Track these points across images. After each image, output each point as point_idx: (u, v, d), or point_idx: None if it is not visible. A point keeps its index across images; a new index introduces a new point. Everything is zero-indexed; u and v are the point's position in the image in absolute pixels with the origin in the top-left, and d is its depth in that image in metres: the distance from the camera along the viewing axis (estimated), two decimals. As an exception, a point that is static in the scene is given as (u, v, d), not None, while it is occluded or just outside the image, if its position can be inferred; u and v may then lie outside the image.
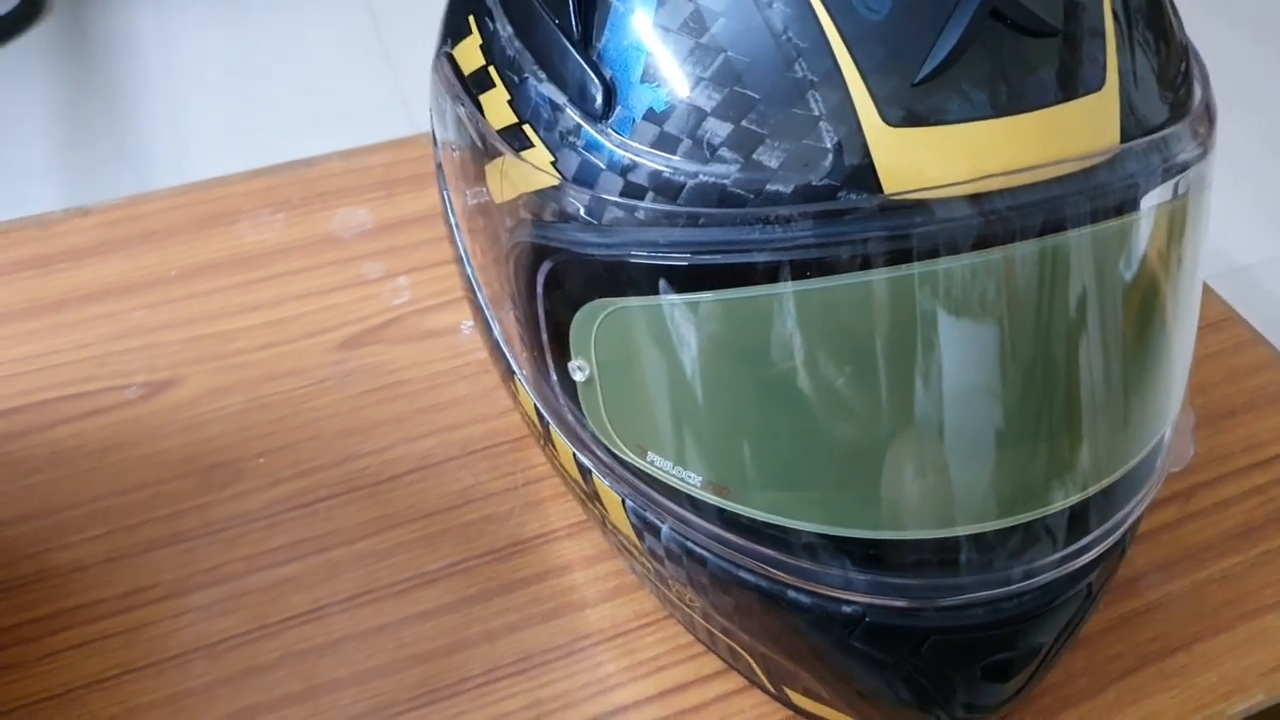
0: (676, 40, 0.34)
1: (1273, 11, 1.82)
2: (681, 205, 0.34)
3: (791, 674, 0.43)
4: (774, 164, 0.33)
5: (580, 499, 0.46)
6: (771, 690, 0.45)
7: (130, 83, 1.67)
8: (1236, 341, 0.65)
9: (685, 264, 0.35)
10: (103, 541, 0.52)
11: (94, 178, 1.52)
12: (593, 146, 0.36)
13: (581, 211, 0.36)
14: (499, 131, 0.39)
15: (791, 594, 0.39)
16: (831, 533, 0.38)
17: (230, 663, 0.48)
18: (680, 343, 0.36)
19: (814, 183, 0.33)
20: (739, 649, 0.44)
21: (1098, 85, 0.35)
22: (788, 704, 0.46)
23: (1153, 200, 0.36)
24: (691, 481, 0.38)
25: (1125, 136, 0.35)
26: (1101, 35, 0.35)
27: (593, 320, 0.37)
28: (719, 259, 0.34)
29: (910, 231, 0.33)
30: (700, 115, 0.34)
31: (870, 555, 0.38)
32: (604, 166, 0.35)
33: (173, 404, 0.58)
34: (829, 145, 0.33)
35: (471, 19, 0.41)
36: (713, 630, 0.44)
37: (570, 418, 0.41)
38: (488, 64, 0.39)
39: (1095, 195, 0.35)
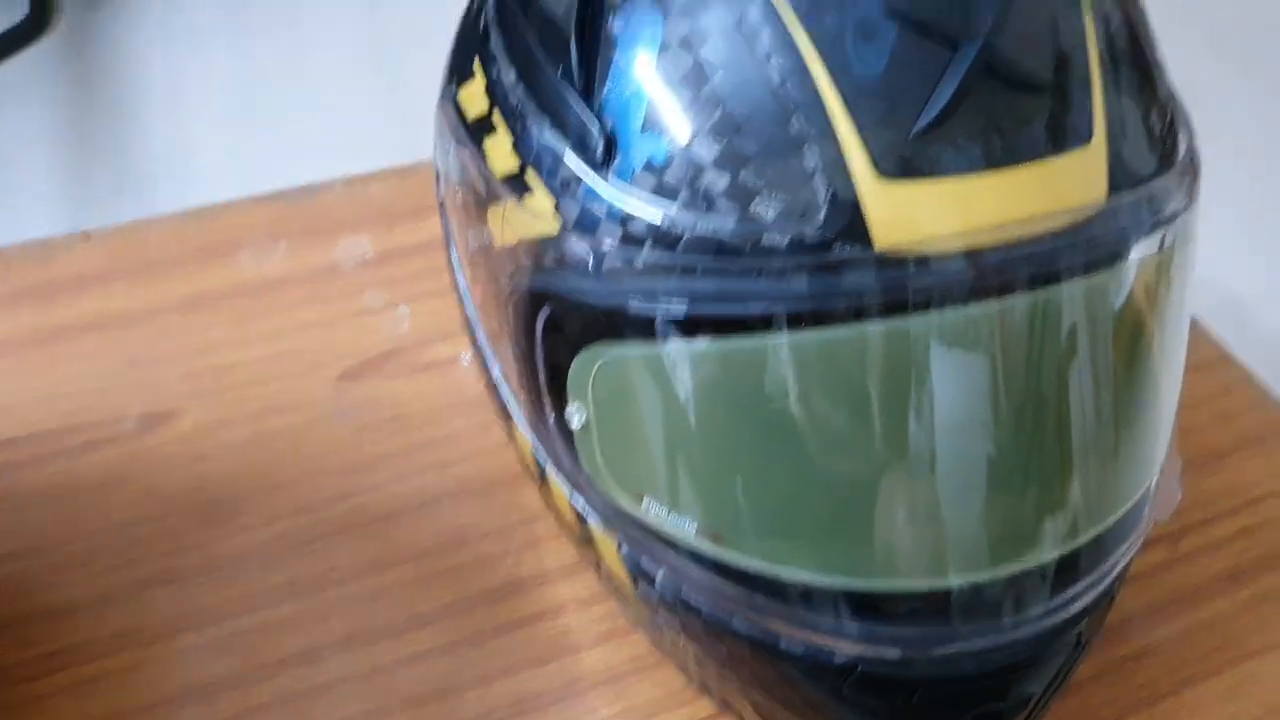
0: (677, 91, 0.35)
1: (1261, 44, 1.84)
2: (679, 255, 0.35)
3: None
4: (770, 216, 0.34)
5: (575, 542, 0.47)
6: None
7: (134, 100, 1.68)
8: (1227, 382, 0.66)
9: (682, 314, 0.35)
10: (97, 580, 0.52)
11: (96, 196, 1.52)
12: (593, 195, 0.36)
13: (581, 259, 0.36)
14: (501, 177, 0.39)
15: (784, 643, 0.39)
16: (826, 581, 0.38)
17: (223, 708, 0.48)
18: (677, 391, 0.37)
19: (809, 234, 0.34)
20: (732, 695, 0.44)
21: (1086, 138, 0.35)
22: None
23: (1140, 253, 0.37)
24: (687, 529, 0.39)
25: (1113, 188, 0.36)
26: (1089, 88, 0.36)
27: (590, 366, 0.38)
28: (715, 309, 0.35)
29: (903, 284, 0.34)
30: (699, 166, 0.35)
31: (864, 604, 0.38)
32: (604, 215, 0.36)
33: (171, 438, 0.59)
34: (824, 198, 0.34)
35: (477, 62, 0.41)
36: (706, 676, 0.44)
37: (566, 462, 0.41)
38: (491, 109, 0.40)
39: (1085, 248, 0.35)
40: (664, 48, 0.35)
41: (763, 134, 0.34)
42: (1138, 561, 0.52)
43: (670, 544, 0.40)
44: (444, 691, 0.49)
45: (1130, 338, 0.39)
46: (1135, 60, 0.39)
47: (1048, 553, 0.39)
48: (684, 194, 0.35)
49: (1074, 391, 0.37)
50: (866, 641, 0.38)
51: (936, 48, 0.34)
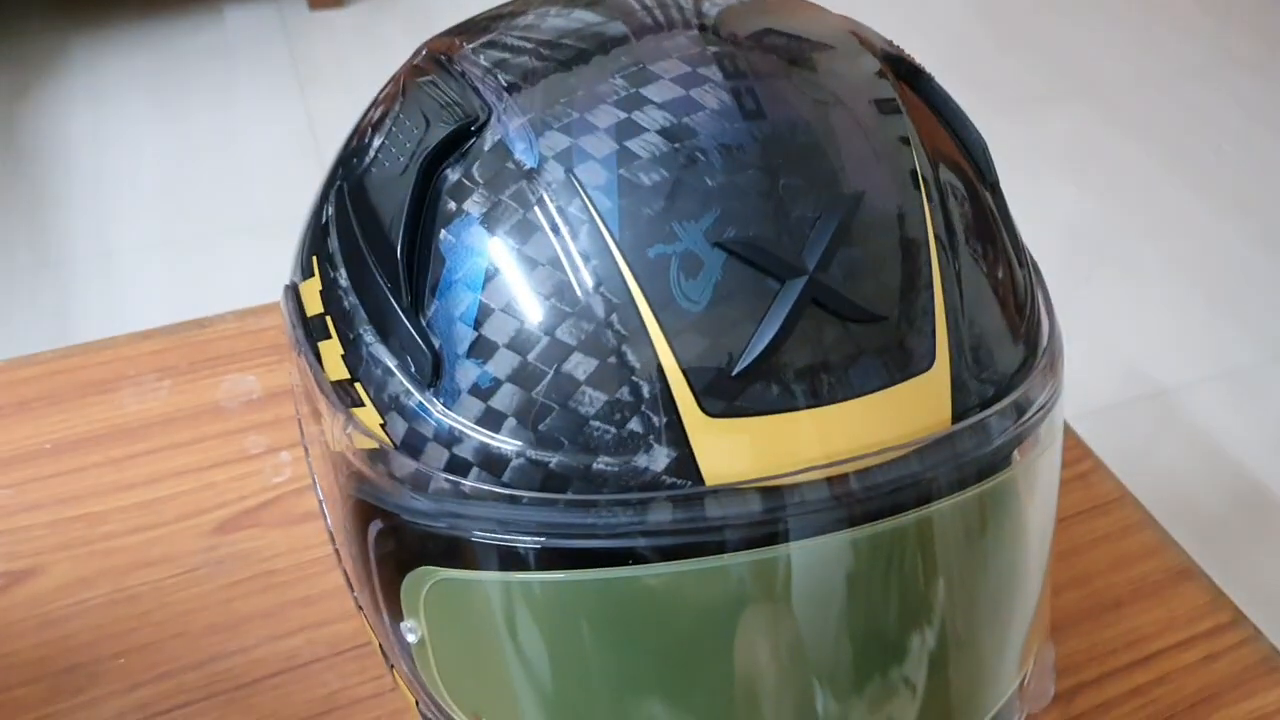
0: (501, 319, 0.34)
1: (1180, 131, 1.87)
2: (506, 481, 0.34)
3: None
4: (597, 448, 0.33)
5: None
6: None
7: (59, 187, 1.66)
8: (1125, 524, 0.65)
9: (510, 543, 0.34)
10: (-67, 763, 0.50)
11: (12, 286, 1.50)
12: (420, 414, 0.35)
13: (407, 480, 0.35)
14: (333, 384, 0.38)
15: None
16: None
17: None
18: (505, 619, 0.35)
19: (635, 468, 0.33)
20: None
21: (926, 365, 0.34)
22: None
23: (980, 481, 0.36)
24: None
25: (961, 410, 0.35)
26: (930, 313, 0.35)
27: (421, 586, 0.36)
28: (544, 541, 0.34)
29: (726, 524, 0.33)
30: (524, 396, 0.33)
31: None
32: (430, 436, 0.35)
33: (31, 597, 0.56)
34: (650, 434, 0.33)
35: (315, 260, 0.40)
36: None
37: (406, 669, 0.40)
38: (325, 312, 0.39)
39: (925, 478, 0.34)
40: (490, 273, 0.34)
41: (588, 366, 0.33)
42: (1033, 727, 0.51)
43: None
44: None
45: (980, 559, 0.38)
46: (989, 255, 0.38)
47: None
48: (510, 422, 0.34)
49: (915, 626, 0.36)
50: None
51: (763, 280, 0.33)
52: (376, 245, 0.36)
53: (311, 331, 0.40)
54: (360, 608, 0.45)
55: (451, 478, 0.34)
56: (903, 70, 0.40)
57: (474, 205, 0.35)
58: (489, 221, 0.35)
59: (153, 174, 1.70)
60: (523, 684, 0.37)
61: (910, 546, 0.35)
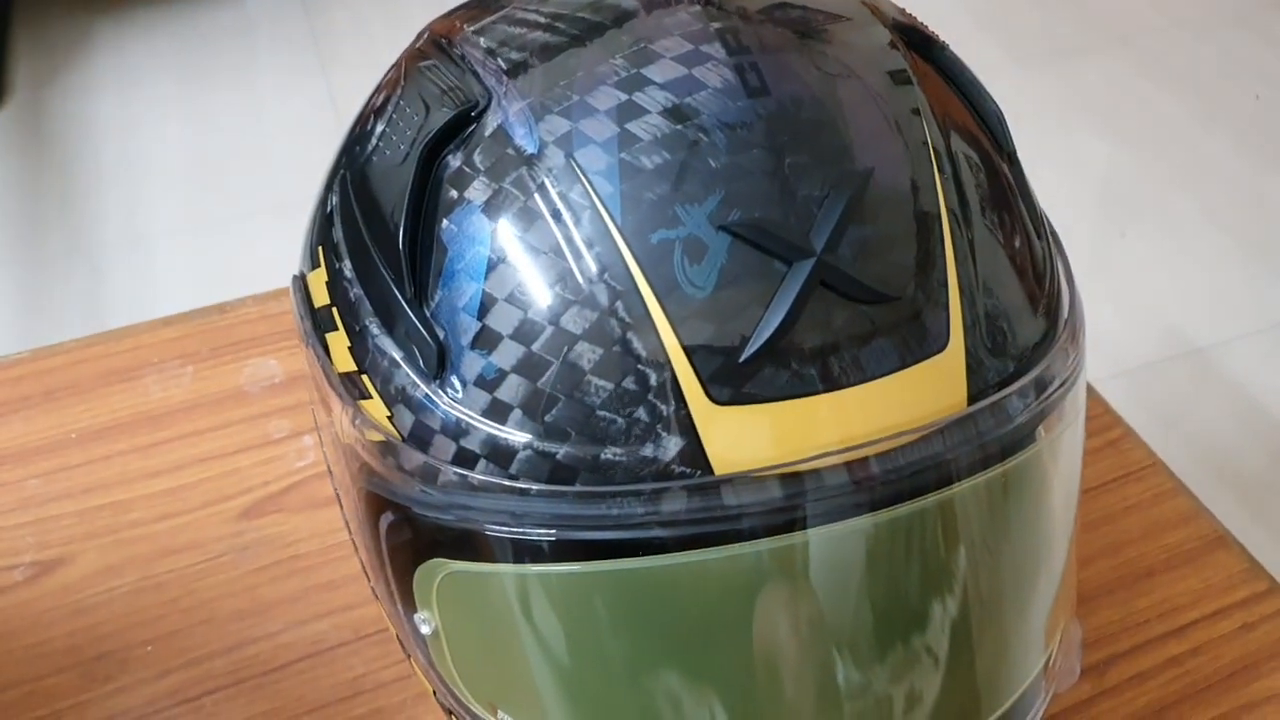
0: (505, 309, 0.33)
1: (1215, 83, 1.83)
2: (512, 473, 0.33)
3: None
4: (605, 438, 0.32)
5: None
6: None
7: (87, 172, 1.67)
8: (1156, 492, 0.64)
9: (520, 535, 0.34)
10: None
11: (46, 272, 1.51)
12: (426, 406, 0.35)
13: (415, 472, 0.35)
14: (341, 375, 0.38)
15: None
16: None
17: None
18: (519, 610, 0.35)
19: (644, 458, 0.32)
20: None
21: (941, 346, 0.34)
22: None
23: (1000, 460, 0.35)
24: None
25: (974, 390, 0.34)
26: (944, 290, 0.34)
27: (433, 577, 0.36)
28: (550, 534, 0.33)
29: (744, 512, 0.32)
30: (529, 387, 0.33)
31: None
32: (437, 428, 0.34)
33: (60, 586, 0.57)
34: (658, 422, 0.32)
35: (321, 251, 0.40)
36: None
37: (422, 660, 0.39)
38: (331, 303, 0.38)
39: (946, 459, 0.34)
40: (492, 262, 0.34)
41: (593, 355, 0.32)
42: (1064, 697, 0.50)
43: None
44: None
45: (1012, 532, 0.37)
46: (1005, 227, 0.37)
47: None
48: (516, 413, 0.33)
49: (943, 608, 0.35)
50: None
51: (769, 263, 0.32)
52: (379, 235, 0.36)
53: (319, 323, 0.39)
54: (377, 596, 0.44)
55: (459, 470, 0.34)
56: (915, 40, 0.39)
57: (475, 193, 0.34)
58: (490, 209, 0.34)
59: (178, 156, 1.70)
60: (539, 675, 0.36)
61: (932, 529, 0.34)
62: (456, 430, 0.34)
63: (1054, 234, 0.41)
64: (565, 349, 0.33)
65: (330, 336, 0.38)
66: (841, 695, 0.35)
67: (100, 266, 1.50)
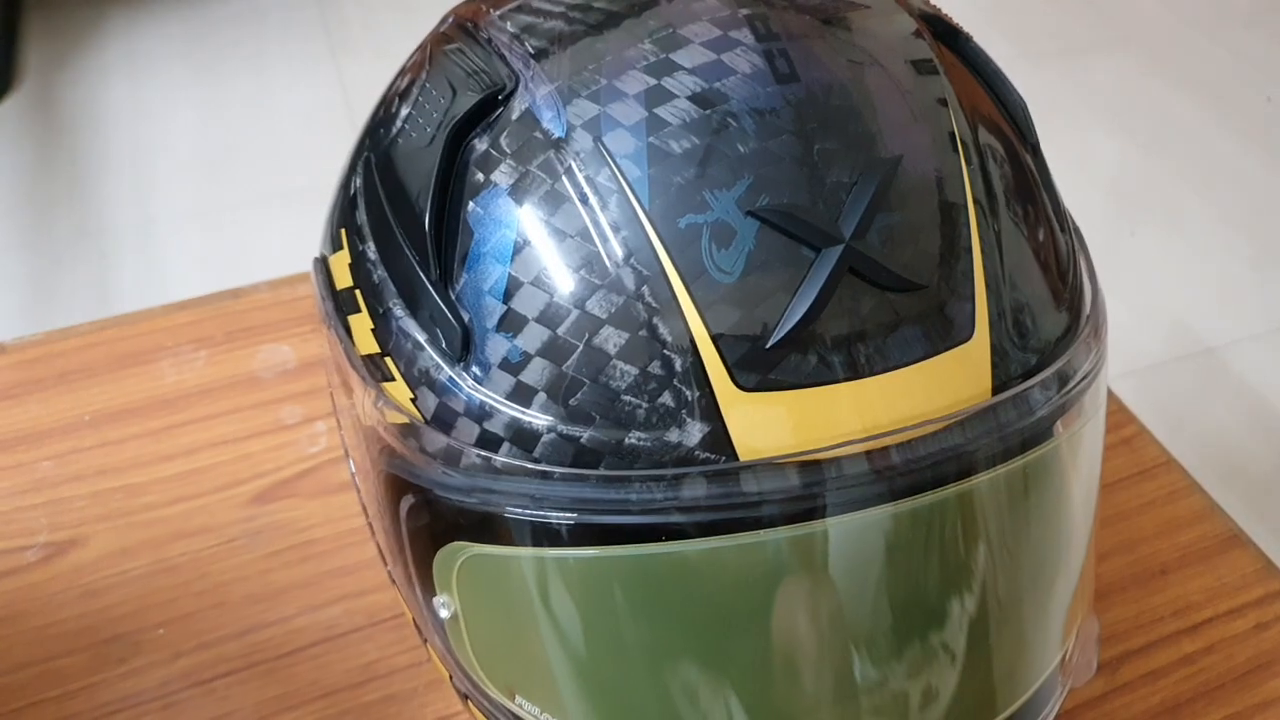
0: (531, 292, 0.33)
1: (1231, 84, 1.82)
2: (537, 457, 0.33)
3: None
4: (629, 423, 0.32)
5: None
6: None
7: (98, 159, 1.67)
8: (1170, 490, 0.64)
9: (543, 519, 0.34)
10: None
11: (56, 258, 1.51)
12: (450, 389, 0.35)
13: (438, 455, 0.35)
14: (363, 358, 0.38)
15: None
16: None
17: None
18: (538, 594, 0.35)
19: (669, 443, 0.32)
20: None
21: (966, 335, 0.33)
22: None
23: (1026, 450, 0.35)
24: None
25: (999, 381, 0.34)
26: (970, 280, 0.34)
27: (454, 561, 0.36)
28: (570, 517, 0.33)
29: (764, 499, 0.32)
30: (554, 370, 0.33)
31: None
32: (461, 411, 0.34)
33: (73, 567, 0.57)
34: (682, 408, 0.32)
35: (344, 233, 0.40)
36: None
37: (440, 644, 0.39)
38: (355, 285, 0.38)
39: (967, 450, 0.33)
40: (519, 245, 0.33)
41: (619, 340, 0.32)
42: (1077, 693, 0.50)
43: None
44: None
45: (1032, 525, 0.37)
46: (1030, 219, 0.37)
47: None
48: (540, 397, 0.33)
49: (961, 600, 0.35)
50: None
51: (797, 249, 0.32)
52: (404, 217, 0.36)
53: (341, 305, 0.39)
54: (394, 581, 0.44)
55: (483, 453, 0.34)
56: (940, 30, 0.39)
57: (502, 176, 0.34)
58: (517, 192, 0.34)
59: (189, 142, 1.70)
60: (558, 660, 0.36)
61: (952, 520, 0.34)
62: (480, 413, 0.34)
63: (1076, 228, 0.41)
64: (590, 333, 0.33)
65: (353, 319, 0.38)
66: (857, 685, 0.35)
67: (110, 253, 1.50)
